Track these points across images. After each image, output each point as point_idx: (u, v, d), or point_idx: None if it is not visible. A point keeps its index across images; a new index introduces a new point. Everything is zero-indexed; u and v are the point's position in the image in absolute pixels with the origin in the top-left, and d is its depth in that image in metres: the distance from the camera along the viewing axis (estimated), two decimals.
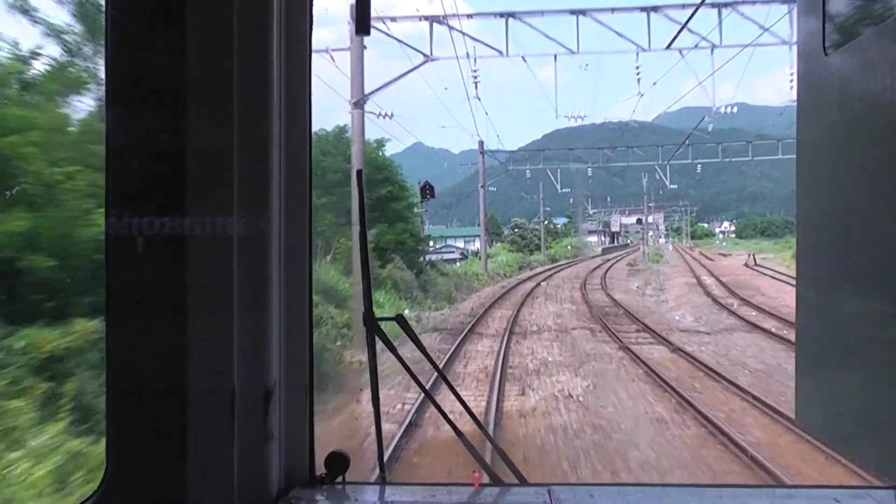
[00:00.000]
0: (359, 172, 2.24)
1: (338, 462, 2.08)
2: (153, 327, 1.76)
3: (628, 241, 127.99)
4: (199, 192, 1.75)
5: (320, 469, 2.08)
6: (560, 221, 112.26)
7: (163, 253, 1.74)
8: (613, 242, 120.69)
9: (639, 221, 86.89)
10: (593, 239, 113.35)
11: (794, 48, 2.00)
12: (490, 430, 11.22)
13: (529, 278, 47.21)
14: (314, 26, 2.02)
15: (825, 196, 1.90)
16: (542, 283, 43.14)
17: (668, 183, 77.06)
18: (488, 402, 13.75)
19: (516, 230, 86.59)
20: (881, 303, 1.62)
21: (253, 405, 1.87)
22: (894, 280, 1.56)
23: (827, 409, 1.90)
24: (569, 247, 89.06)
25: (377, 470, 2.26)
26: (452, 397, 2.33)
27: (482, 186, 49.39)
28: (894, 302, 1.57)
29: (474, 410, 2.45)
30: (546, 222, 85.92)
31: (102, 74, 1.80)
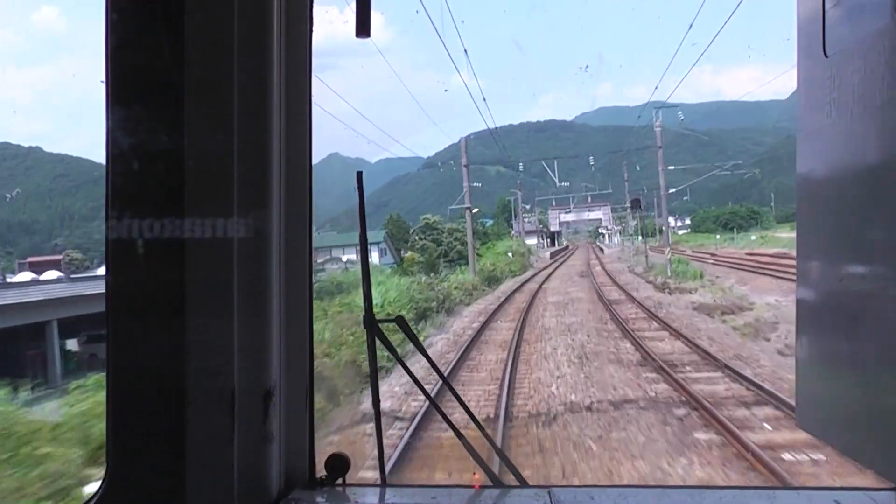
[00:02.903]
0: (359, 174, 2.24)
1: (338, 464, 2.08)
2: (153, 327, 1.76)
3: (565, 243, 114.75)
4: (199, 193, 1.74)
5: (321, 471, 2.08)
6: (488, 222, 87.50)
7: (163, 254, 1.74)
8: (554, 244, 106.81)
9: (635, 205, 62.35)
10: (533, 241, 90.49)
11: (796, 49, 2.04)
12: None
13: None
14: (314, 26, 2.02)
15: (826, 196, 1.90)
16: None
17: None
18: None
19: (428, 233, 58.84)
20: (881, 303, 1.62)
21: (253, 405, 1.86)
22: (895, 281, 1.57)
23: (827, 410, 1.90)
24: (510, 254, 59.24)
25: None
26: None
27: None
28: (895, 303, 1.57)
29: None
30: (477, 210, 56.96)
31: None
